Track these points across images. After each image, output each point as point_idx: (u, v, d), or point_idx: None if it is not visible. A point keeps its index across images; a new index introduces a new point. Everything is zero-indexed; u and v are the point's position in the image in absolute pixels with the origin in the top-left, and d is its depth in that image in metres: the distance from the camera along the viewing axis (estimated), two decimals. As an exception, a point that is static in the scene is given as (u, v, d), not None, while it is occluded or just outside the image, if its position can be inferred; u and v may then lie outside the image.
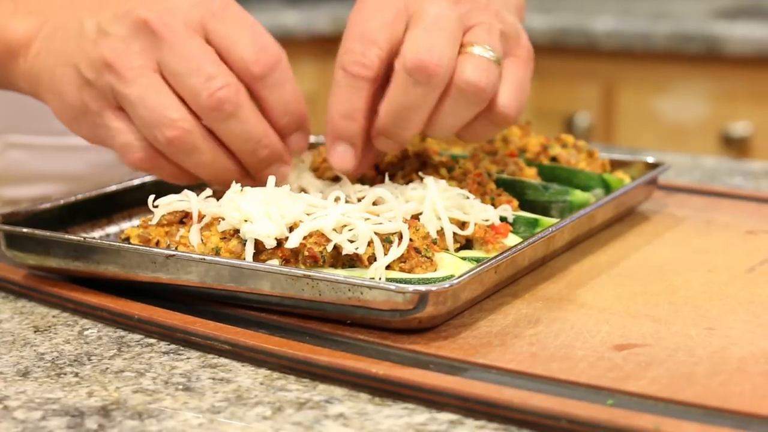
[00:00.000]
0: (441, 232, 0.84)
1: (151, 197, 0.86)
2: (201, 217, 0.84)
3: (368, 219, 0.80)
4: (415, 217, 0.84)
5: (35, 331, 0.82)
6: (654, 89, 2.60)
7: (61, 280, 0.88)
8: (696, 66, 2.53)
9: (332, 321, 0.78)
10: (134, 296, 0.84)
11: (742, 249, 0.93)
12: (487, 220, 0.86)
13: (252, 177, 0.90)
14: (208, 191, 0.86)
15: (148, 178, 1.03)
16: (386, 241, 0.79)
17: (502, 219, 0.88)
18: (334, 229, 0.79)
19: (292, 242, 0.78)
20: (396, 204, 0.81)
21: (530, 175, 0.99)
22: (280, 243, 0.79)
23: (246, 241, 0.80)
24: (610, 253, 0.92)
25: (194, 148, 0.86)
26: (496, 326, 0.77)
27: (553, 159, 1.02)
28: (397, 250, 0.78)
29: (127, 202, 1.00)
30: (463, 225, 0.85)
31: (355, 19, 0.88)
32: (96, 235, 0.96)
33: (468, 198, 0.87)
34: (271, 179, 0.85)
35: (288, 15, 2.86)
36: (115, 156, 0.90)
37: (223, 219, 0.82)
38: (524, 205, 0.94)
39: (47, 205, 0.93)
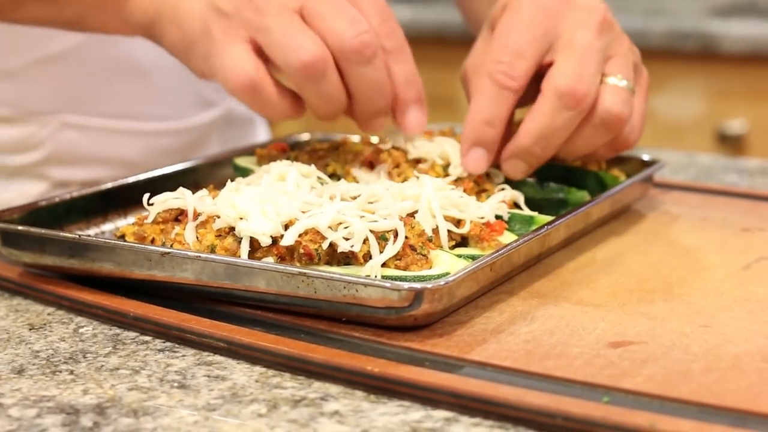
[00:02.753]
0: (436, 230, 0.84)
1: (146, 195, 0.86)
2: (196, 215, 0.84)
3: (363, 217, 0.79)
4: (411, 215, 0.84)
5: (30, 329, 0.82)
6: (650, 86, 2.59)
7: (56, 277, 0.88)
8: (692, 64, 2.53)
9: (327, 318, 0.78)
10: (129, 294, 0.84)
11: (738, 246, 0.93)
12: (482, 218, 0.86)
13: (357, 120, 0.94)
14: (204, 191, 0.86)
15: (142, 176, 1.03)
16: (382, 238, 0.79)
17: (498, 217, 0.88)
18: (330, 227, 0.79)
19: (288, 240, 0.78)
20: (391, 202, 0.81)
21: (526, 173, 0.99)
22: (275, 241, 0.79)
23: (241, 238, 0.80)
24: (605, 251, 0.92)
25: (324, 75, 0.88)
26: (492, 323, 0.77)
27: (549, 157, 1.02)
28: (392, 248, 0.78)
29: (123, 199, 1.00)
30: (458, 223, 0.85)
31: (506, 30, 0.92)
32: (91, 232, 0.96)
33: (463, 197, 0.87)
34: (266, 178, 0.85)
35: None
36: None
37: (219, 217, 0.81)
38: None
39: (43, 203, 0.93)
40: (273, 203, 0.81)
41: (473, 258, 0.82)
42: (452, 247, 0.85)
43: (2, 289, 0.90)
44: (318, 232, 0.79)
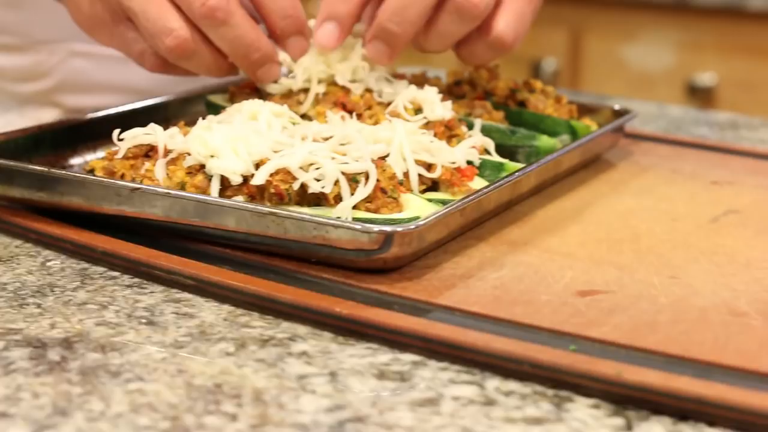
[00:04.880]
0: (407, 174, 0.84)
1: (117, 131, 0.86)
2: (167, 152, 0.83)
3: (335, 158, 0.79)
4: (382, 158, 0.83)
5: (-3, 262, 0.81)
6: (621, 36, 2.60)
7: (24, 209, 0.87)
8: (664, 14, 2.53)
9: (297, 259, 0.78)
10: (98, 229, 0.83)
11: (707, 199, 0.93)
12: (453, 163, 0.86)
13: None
14: (175, 128, 0.86)
15: (112, 111, 1.02)
16: (353, 180, 0.78)
17: (469, 162, 0.88)
18: (301, 167, 0.78)
19: (258, 179, 0.78)
20: (363, 144, 0.81)
21: (497, 119, 0.99)
22: (246, 180, 0.79)
23: (212, 176, 0.80)
24: (575, 200, 0.93)
25: (194, 53, 0.92)
26: (461, 269, 0.77)
27: (521, 104, 1.02)
28: (363, 190, 0.78)
29: (92, 133, 0.99)
30: (429, 167, 0.85)
31: None
32: (58, 166, 0.95)
33: (434, 141, 0.87)
34: (238, 117, 0.84)
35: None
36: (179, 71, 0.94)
37: (189, 154, 0.81)
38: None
39: (10, 135, 0.92)
40: (244, 142, 0.80)
41: (443, 203, 0.82)
42: (423, 191, 0.85)
43: (-32, 220, 0.89)
44: (289, 172, 0.78)
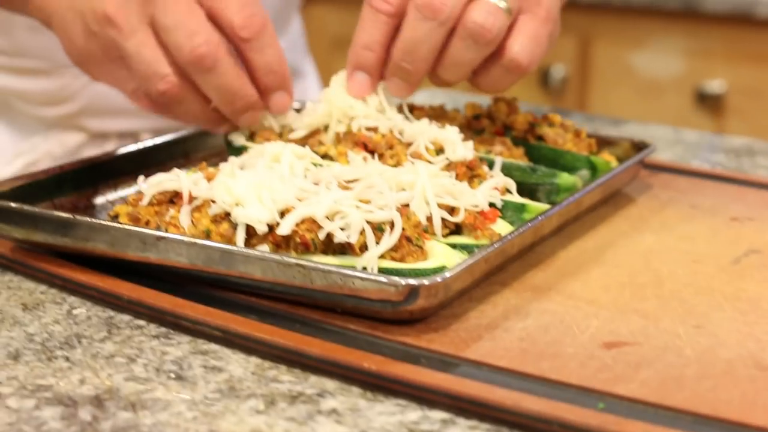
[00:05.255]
0: (430, 218, 0.85)
1: (141, 177, 0.86)
2: (191, 198, 0.84)
3: (359, 207, 0.79)
4: (406, 204, 0.84)
5: (24, 309, 0.82)
6: (630, 43, 2.60)
7: (48, 254, 0.87)
8: (673, 22, 2.53)
9: (323, 308, 0.78)
10: (123, 274, 0.84)
11: (727, 238, 0.93)
12: (476, 206, 0.86)
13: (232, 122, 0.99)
14: (199, 173, 0.86)
15: (132, 147, 1.02)
16: (378, 229, 0.79)
17: (491, 205, 0.89)
18: (326, 216, 0.79)
19: (284, 229, 0.78)
20: (387, 191, 0.81)
21: (517, 155, 0.99)
22: (271, 228, 0.79)
23: (237, 225, 0.80)
24: (596, 239, 0.93)
25: (182, 99, 0.95)
26: (486, 318, 0.77)
27: (540, 138, 1.02)
28: (389, 240, 0.78)
29: (113, 171, 1.00)
30: (452, 211, 0.86)
31: None
32: (81, 206, 0.96)
33: (456, 184, 0.87)
34: (261, 162, 0.85)
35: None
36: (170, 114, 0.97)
37: (214, 202, 0.81)
38: (511, 187, 0.94)
39: (33, 177, 0.93)
40: (269, 190, 0.80)
41: (467, 247, 0.83)
42: (446, 235, 0.85)
43: (-7, 264, 0.90)
44: (314, 221, 0.79)
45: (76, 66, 0.99)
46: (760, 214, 0.99)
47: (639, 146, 1.06)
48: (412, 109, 1.09)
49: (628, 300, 0.81)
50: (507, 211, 0.90)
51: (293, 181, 0.82)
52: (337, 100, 0.96)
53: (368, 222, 0.79)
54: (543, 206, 0.91)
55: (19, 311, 0.82)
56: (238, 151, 0.99)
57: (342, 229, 0.78)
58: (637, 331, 0.76)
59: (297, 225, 0.79)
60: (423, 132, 0.94)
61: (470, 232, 0.86)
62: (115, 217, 0.86)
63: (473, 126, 1.04)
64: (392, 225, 0.79)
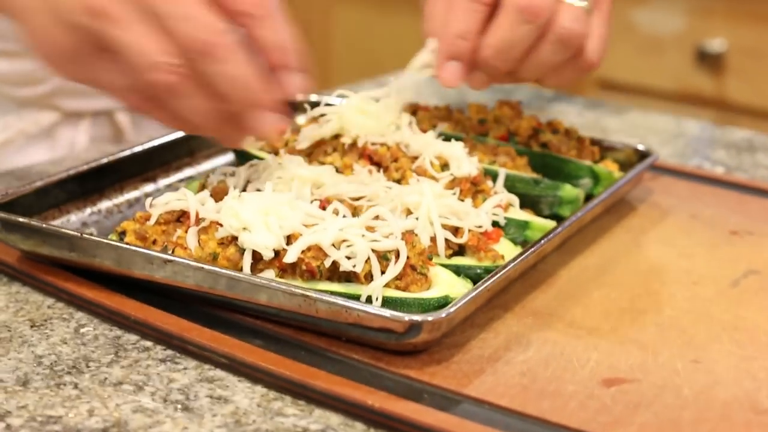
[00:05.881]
0: (434, 238, 0.86)
1: (149, 200, 0.87)
2: (198, 219, 0.84)
3: (365, 235, 0.80)
4: (409, 230, 0.85)
5: (32, 326, 0.83)
6: (632, 0, 2.59)
7: (55, 266, 0.88)
8: (675, -21, 2.52)
9: (328, 335, 0.79)
10: (130, 290, 0.84)
11: (726, 255, 0.94)
12: (480, 227, 0.87)
13: (235, 125, 0.88)
14: (206, 192, 0.87)
15: (138, 149, 1.03)
16: (383, 258, 0.80)
17: (495, 223, 0.89)
18: (333, 244, 0.80)
19: (291, 257, 0.79)
20: (393, 220, 0.82)
21: (521, 165, 1.00)
22: (277, 253, 0.80)
23: (244, 250, 0.81)
24: (597, 255, 0.94)
25: (183, 93, 0.85)
26: (488, 348, 0.79)
27: (544, 145, 1.03)
28: (394, 269, 0.79)
29: (119, 174, 1.00)
30: (456, 231, 0.87)
31: None
32: (88, 211, 0.97)
33: (462, 200, 0.89)
34: (269, 185, 0.85)
35: None
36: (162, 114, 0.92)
37: (221, 225, 0.82)
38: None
39: (39, 184, 0.93)
40: (276, 215, 0.81)
41: (470, 270, 0.84)
42: (449, 256, 0.86)
43: (1, 273, 0.91)
44: (321, 248, 0.80)
45: (47, 64, 0.90)
46: (759, 227, 1.00)
47: (641, 155, 1.06)
48: (417, 109, 1.09)
49: (627, 329, 0.82)
50: (510, 228, 0.91)
51: (300, 206, 0.83)
52: (349, 118, 0.97)
53: (373, 251, 0.79)
54: (545, 223, 0.92)
55: (27, 329, 0.83)
56: (243, 155, 1.00)
57: (348, 257, 0.79)
58: (636, 365, 0.77)
59: (303, 252, 0.80)
60: (428, 147, 0.94)
61: (473, 254, 0.87)
62: (122, 234, 0.86)
63: (477, 130, 1.05)
64: (397, 254, 0.80)
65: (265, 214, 0.81)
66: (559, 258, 0.93)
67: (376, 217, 0.83)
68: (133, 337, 0.82)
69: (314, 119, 1.01)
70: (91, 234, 0.91)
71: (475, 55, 0.96)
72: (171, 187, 1.04)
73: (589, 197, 1.00)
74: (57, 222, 0.94)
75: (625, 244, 0.96)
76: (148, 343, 0.81)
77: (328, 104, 1.03)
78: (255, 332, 0.80)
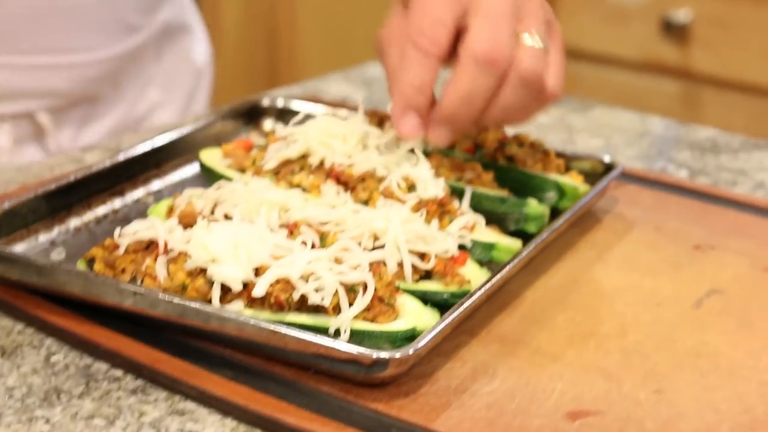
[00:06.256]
0: (401, 264, 0.87)
1: (117, 230, 0.87)
2: (167, 248, 0.85)
3: (332, 269, 0.81)
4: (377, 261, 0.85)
5: (2, 354, 0.83)
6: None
7: (25, 290, 0.88)
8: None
9: (297, 366, 0.80)
10: (100, 316, 0.85)
11: (689, 273, 0.96)
12: (446, 252, 0.88)
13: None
14: (173, 220, 0.87)
15: (108, 163, 1.03)
16: (351, 290, 0.81)
17: (461, 246, 0.91)
18: (301, 277, 0.80)
19: (259, 291, 0.80)
20: (360, 252, 0.83)
21: (487, 181, 1.01)
22: (246, 285, 0.81)
23: (213, 281, 0.82)
24: (562, 273, 0.95)
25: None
26: (454, 379, 0.80)
27: (510, 158, 1.04)
28: (361, 302, 0.80)
29: (87, 190, 1.01)
30: (423, 256, 0.88)
31: (422, 1, 0.96)
32: (56, 230, 0.97)
33: (429, 222, 0.90)
34: (236, 214, 0.86)
35: None
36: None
37: (190, 257, 0.83)
38: (479, 214, 0.96)
39: (6, 206, 0.93)
40: (244, 248, 0.82)
41: (436, 295, 0.85)
42: (416, 281, 0.87)
43: (-30, 296, 0.91)
44: (289, 281, 0.80)
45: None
46: (720, 241, 1.02)
47: (607, 167, 1.08)
48: (383, 118, 1.10)
49: (592, 355, 0.83)
50: (476, 249, 0.92)
51: (268, 238, 0.83)
52: (315, 139, 0.97)
53: (341, 283, 0.80)
54: (511, 244, 0.94)
55: (-2, 358, 0.83)
56: (211, 173, 1.01)
57: (316, 290, 0.80)
58: (600, 396, 0.78)
59: (272, 285, 0.81)
60: (395, 170, 0.95)
61: (440, 278, 0.88)
62: (90, 261, 0.87)
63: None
64: (365, 287, 0.81)
65: (234, 246, 0.82)
66: (524, 278, 0.94)
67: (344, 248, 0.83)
68: (104, 366, 0.83)
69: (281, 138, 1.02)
70: (60, 253, 0.92)
71: (434, 110, 0.96)
72: (139, 202, 1.04)
73: (554, 210, 1.01)
74: (25, 243, 0.94)
75: (590, 262, 0.97)
76: (118, 373, 0.82)
77: (299, 120, 1.03)
78: (225, 362, 0.81)
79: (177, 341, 0.83)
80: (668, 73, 2.56)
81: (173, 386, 0.80)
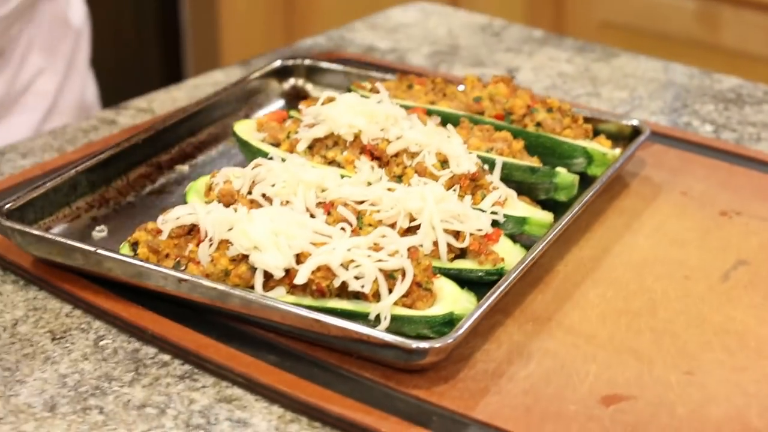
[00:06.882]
0: (436, 242, 0.89)
1: (161, 217, 0.89)
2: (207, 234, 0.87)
3: (370, 256, 0.83)
4: (413, 230, 0.88)
5: (52, 339, 0.86)
6: None
7: (70, 271, 0.91)
8: None
9: (340, 351, 0.83)
10: (145, 299, 0.88)
11: (717, 241, 0.98)
12: (480, 230, 0.90)
13: None
14: (215, 204, 0.89)
15: (142, 135, 1.05)
16: (390, 277, 0.83)
17: (494, 223, 0.93)
18: (341, 264, 0.83)
19: (301, 278, 0.83)
20: (398, 239, 0.85)
21: (517, 150, 1.02)
22: (288, 272, 0.84)
23: (255, 268, 0.84)
24: (591, 243, 0.97)
25: None
26: (492, 362, 0.83)
27: (538, 124, 1.06)
28: (401, 288, 0.83)
29: (124, 164, 1.03)
30: (458, 234, 0.90)
31: None
32: (97, 206, 0.99)
33: (462, 197, 0.92)
34: (276, 201, 0.88)
35: None
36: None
37: (231, 244, 0.85)
38: (510, 184, 0.98)
39: (49, 185, 0.95)
40: (285, 234, 0.84)
41: (471, 273, 0.88)
42: (451, 259, 0.90)
43: (16, 275, 0.94)
44: (330, 269, 0.83)
45: None
46: (746, 205, 1.04)
47: (635, 131, 1.09)
48: (412, 83, 1.12)
49: (623, 335, 0.86)
50: (508, 224, 0.94)
51: (308, 224, 0.86)
52: (339, 118, 0.99)
53: (381, 270, 0.83)
54: (543, 218, 0.95)
55: (48, 342, 0.86)
56: (246, 145, 1.03)
57: (356, 277, 0.83)
58: (632, 379, 0.81)
59: (313, 273, 0.83)
60: (428, 145, 0.97)
61: (474, 257, 0.90)
62: (134, 245, 0.89)
63: (473, 108, 1.07)
64: (403, 273, 0.83)
65: (275, 234, 0.84)
66: (555, 251, 0.96)
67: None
68: (152, 351, 0.86)
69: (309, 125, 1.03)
70: (102, 231, 0.94)
71: None
72: (175, 171, 1.06)
73: (582, 175, 1.03)
74: (66, 221, 0.96)
75: (619, 231, 1.00)
76: (166, 357, 0.85)
77: (328, 98, 1.04)
78: (270, 347, 0.84)
79: (222, 325, 0.86)
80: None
81: (220, 372, 0.82)
